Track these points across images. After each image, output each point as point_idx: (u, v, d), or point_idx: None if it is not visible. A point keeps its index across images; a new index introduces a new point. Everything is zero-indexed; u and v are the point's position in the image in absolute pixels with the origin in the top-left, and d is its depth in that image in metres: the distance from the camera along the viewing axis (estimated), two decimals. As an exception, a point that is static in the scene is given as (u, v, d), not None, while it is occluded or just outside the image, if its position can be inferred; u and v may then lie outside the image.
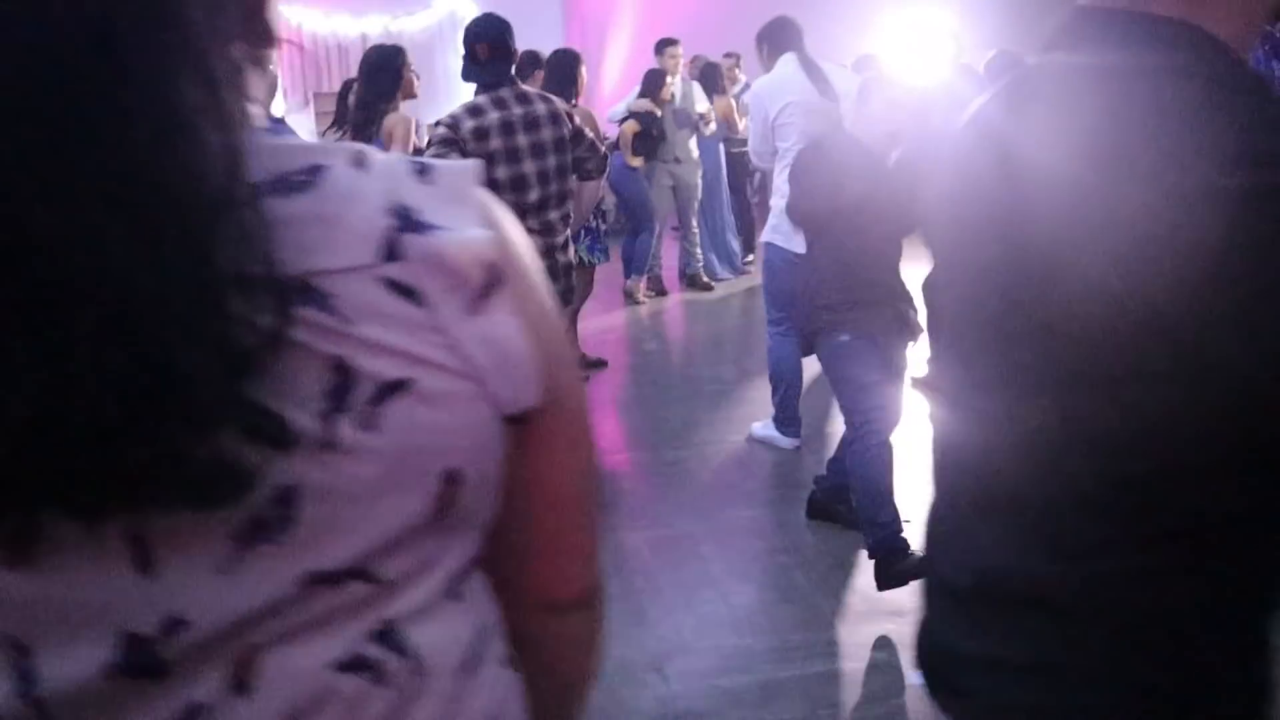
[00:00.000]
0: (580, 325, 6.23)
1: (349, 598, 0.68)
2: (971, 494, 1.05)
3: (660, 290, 7.82)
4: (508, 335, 0.70)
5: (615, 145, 7.41)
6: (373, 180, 0.68)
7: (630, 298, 7.59)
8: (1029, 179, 0.92)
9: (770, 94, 4.61)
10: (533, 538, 0.82)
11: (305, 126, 10.87)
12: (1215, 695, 0.93)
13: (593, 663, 0.93)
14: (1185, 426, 0.85)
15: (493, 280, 0.69)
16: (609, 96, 10.90)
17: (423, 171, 0.70)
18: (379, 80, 4.25)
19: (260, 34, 0.71)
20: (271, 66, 0.78)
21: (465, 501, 0.71)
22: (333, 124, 5.80)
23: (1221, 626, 0.92)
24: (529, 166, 3.76)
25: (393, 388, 0.65)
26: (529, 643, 0.87)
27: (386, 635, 0.70)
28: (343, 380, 0.64)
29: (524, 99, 3.79)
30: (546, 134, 3.79)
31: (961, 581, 1.04)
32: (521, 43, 5.90)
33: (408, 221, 0.67)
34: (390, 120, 4.16)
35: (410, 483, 0.67)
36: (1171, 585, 0.91)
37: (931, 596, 1.12)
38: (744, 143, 7.13)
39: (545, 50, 6.08)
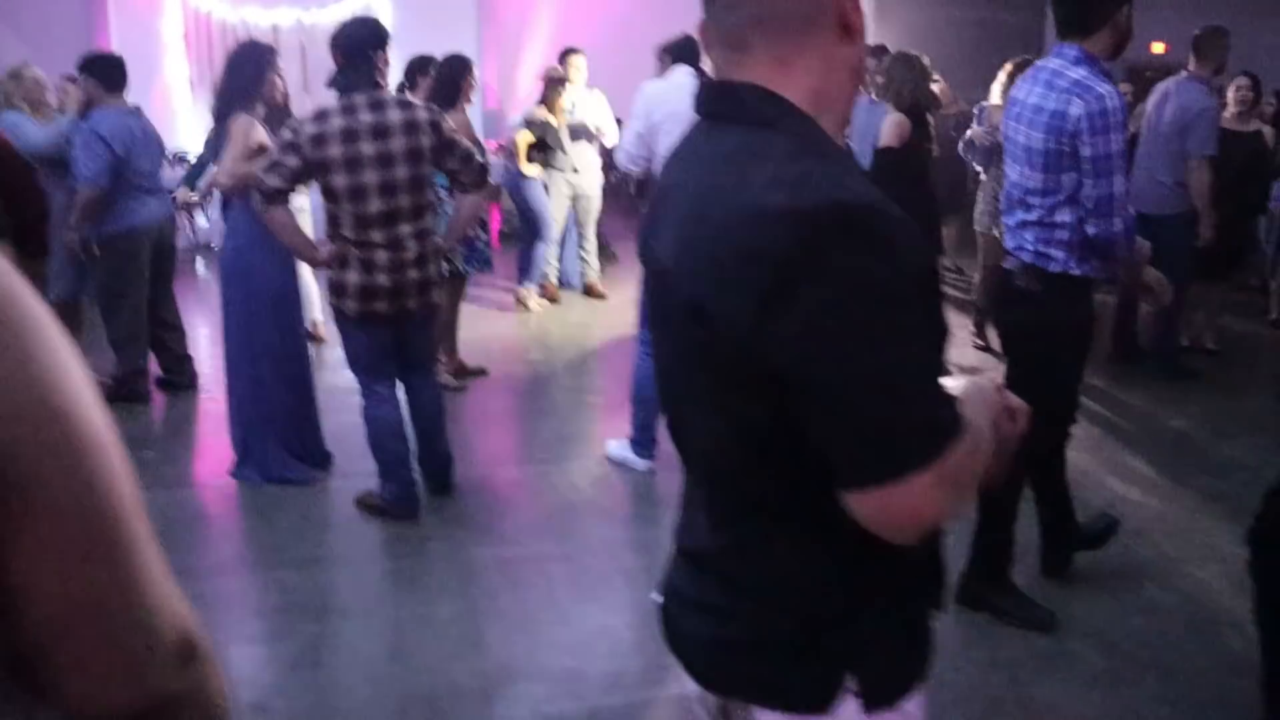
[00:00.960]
0: (465, 333, 6.14)
1: None
2: (690, 480, 1.36)
3: (553, 298, 7.76)
4: None
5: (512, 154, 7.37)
6: None
7: (522, 305, 7.52)
8: (679, 220, 1.19)
9: (660, 98, 4.57)
10: (41, 647, 0.71)
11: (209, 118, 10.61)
12: (818, 634, 1.19)
13: None
14: (761, 417, 1.11)
15: None
16: (523, 101, 10.81)
17: None
18: (236, 78, 4.12)
19: None
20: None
21: None
22: (215, 117, 5.68)
23: (821, 579, 1.18)
24: (370, 177, 3.63)
25: None
26: None
27: None
28: None
29: (378, 106, 3.67)
30: (397, 144, 3.66)
31: (683, 544, 1.35)
32: (435, 46, 5.83)
33: None
34: (234, 123, 4.03)
35: None
36: (773, 549, 1.19)
37: (673, 556, 1.39)
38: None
39: (469, 53, 5.98)
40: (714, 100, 1.21)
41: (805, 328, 1.03)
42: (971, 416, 1.11)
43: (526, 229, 7.60)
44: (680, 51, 4.88)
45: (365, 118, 3.63)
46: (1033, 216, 3.16)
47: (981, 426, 1.13)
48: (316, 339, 6.41)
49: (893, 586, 1.21)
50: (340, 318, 3.90)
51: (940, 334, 1.16)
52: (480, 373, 6.00)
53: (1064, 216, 3.10)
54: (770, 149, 1.10)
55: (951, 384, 1.19)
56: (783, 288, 1.02)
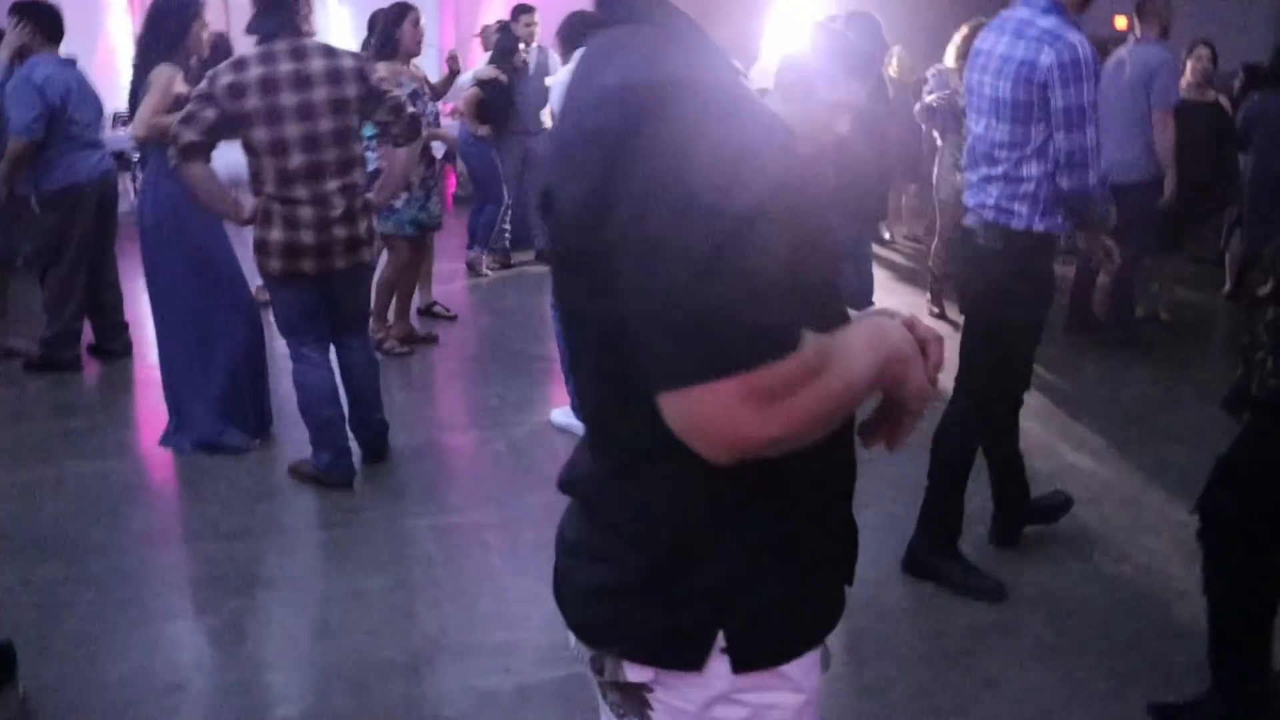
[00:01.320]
0: (415, 297, 5.98)
1: None
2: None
3: (505, 263, 7.59)
4: None
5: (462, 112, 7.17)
6: None
7: (473, 270, 7.35)
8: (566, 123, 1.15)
9: None
10: None
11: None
12: (683, 577, 1.12)
13: None
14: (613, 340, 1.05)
15: None
16: (482, 60, 10.56)
17: None
18: (159, 30, 3.92)
19: None
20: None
21: None
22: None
23: (687, 514, 1.11)
24: (292, 129, 3.44)
25: None
26: None
27: None
28: None
29: (299, 54, 3.47)
30: (320, 94, 3.47)
31: (565, 480, 1.28)
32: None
33: None
34: (154, 72, 3.84)
35: None
36: (641, 479, 1.13)
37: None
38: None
39: (428, 15, 5.76)
40: (597, 6, 1.20)
41: (624, 208, 0.98)
42: (840, 345, 1.03)
43: (478, 192, 7.42)
44: (574, 34, 4.72)
45: (285, 66, 3.44)
46: (998, 171, 3.06)
47: (847, 356, 1.04)
48: (266, 303, 6.22)
49: (774, 533, 1.13)
50: (265, 277, 3.73)
51: (806, 247, 1.06)
52: (432, 339, 5.84)
53: (1031, 170, 3.00)
54: (632, 40, 1.09)
55: (855, 319, 1.14)
56: (609, 167, 0.99)
